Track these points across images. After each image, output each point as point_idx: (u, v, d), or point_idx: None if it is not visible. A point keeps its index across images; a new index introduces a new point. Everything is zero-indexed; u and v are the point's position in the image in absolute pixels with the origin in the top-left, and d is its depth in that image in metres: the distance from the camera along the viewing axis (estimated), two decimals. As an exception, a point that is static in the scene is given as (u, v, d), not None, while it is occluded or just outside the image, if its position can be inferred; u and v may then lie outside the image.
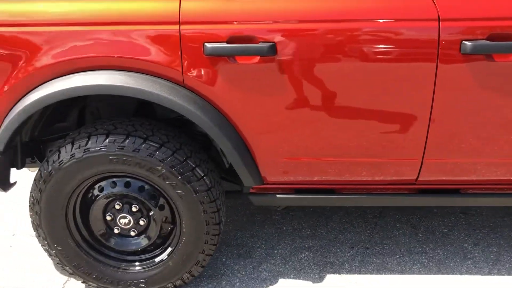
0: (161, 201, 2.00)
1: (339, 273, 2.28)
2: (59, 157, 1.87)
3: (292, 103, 1.80)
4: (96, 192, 2.00)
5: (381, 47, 1.72)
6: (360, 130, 1.86)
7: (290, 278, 2.26)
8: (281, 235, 2.57)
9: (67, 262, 2.06)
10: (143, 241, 2.08)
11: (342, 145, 1.90)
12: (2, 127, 1.85)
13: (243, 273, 2.30)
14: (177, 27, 1.72)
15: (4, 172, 1.96)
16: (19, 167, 2.08)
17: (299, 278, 2.26)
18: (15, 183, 2.08)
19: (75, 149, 1.85)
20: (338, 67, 1.75)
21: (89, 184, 1.97)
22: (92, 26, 1.74)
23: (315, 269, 2.31)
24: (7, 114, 1.87)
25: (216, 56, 1.74)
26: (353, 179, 1.99)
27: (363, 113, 1.82)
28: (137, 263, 2.11)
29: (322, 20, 1.72)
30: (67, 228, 2.01)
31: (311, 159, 1.94)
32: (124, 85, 1.75)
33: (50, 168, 1.88)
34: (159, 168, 1.85)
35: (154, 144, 1.85)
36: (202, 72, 1.77)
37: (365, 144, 1.88)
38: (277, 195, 2.06)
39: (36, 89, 1.80)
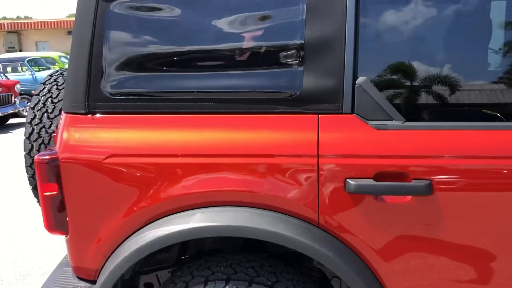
0: None
1: None
2: (169, 305, 1.62)
3: (449, 248, 1.50)
4: None
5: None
6: None
7: None
8: None
9: None
10: None
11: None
12: (111, 266, 1.63)
13: None
14: (315, 160, 1.51)
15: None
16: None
17: None
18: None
19: (189, 296, 1.60)
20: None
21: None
22: (217, 158, 1.56)
23: None
24: (114, 251, 1.66)
25: (360, 194, 1.49)
26: None
27: None
28: None
29: (485, 156, 1.47)
30: None
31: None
32: (254, 226, 1.51)
33: (158, 316, 1.63)
34: (285, 321, 1.56)
35: (281, 294, 1.57)
36: (342, 212, 1.52)
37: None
38: None
39: (151, 225, 1.60)
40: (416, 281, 1.55)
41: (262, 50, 1.60)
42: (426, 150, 1.48)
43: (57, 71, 2.36)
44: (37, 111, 2.16)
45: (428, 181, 1.45)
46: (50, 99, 2.17)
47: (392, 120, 1.51)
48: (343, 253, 1.54)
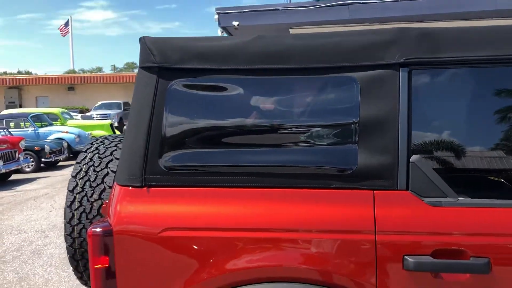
0: None
1: None
2: None
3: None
4: None
5: None
6: None
7: None
8: None
9: None
10: None
11: None
12: None
13: None
14: (372, 236, 1.53)
15: None
16: None
17: None
18: None
19: None
20: None
21: None
22: (275, 233, 1.58)
23: None
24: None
25: (418, 272, 1.51)
26: None
27: None
28: None
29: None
30: None
31: None
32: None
33: None
34: None
35: None
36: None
37: None
38: None
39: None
40: None
41: (319, 128, 1.66)
42: (482, 228, 1.52)
43: (96, 139, 2.41)
44: (79, 179, 2.19)
45: (486, 259, 1.47)
46: (92, 167, 2.20)
47: (446, 197, 1.55)
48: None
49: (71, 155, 13.70)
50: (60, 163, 12.97)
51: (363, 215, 1.56)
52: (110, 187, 2.16)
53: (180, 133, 1.69)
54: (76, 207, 2.14)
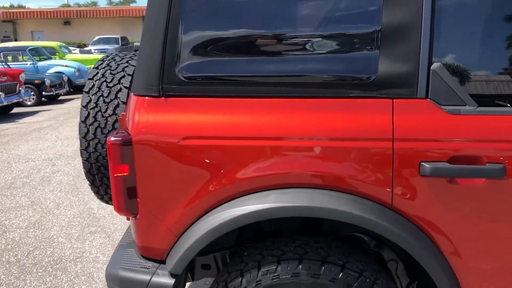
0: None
1: None
2: (241, 283, 1.66)
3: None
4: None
5: None
6: None
7: None
8: None
9: None
10: None
11: None
12: (184, 247, 1.67)
13: None
14: (390, 144, 1.55)
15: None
16: (182, 287, 1.88)
17: None
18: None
19: (263, 275, 1.64)
20: None
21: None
22: (292, 141, 1.60)
23: None
24: (185, 230, 1.70)
25: (434, 177, 1.54)
26: None
27: None
28: None
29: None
30: None
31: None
32: (333, 207, 1.56)
33: (229, 295, 1.67)
34: (357, 301, 1.61)
35: (352, 273, 1.62)
36: (416, 194, 1.57)
37: None
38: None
39: (224, 205, 1.64)
40: (489, 263, 1.61)
41: (340, 35, 1.63)
42: (499, 135, 1.53)
43: (107, 56, 2.38)
44: (92, 95, 2.18)
45: (501, 165, 1.50)
46: (105, 83, 2.19)
47: (465, 106, 1.56)
48: (417, 234, 1.59)
49: (71, 90, 13.62)
50: (61, 97, 12.93)
51: (381, 123, 1.57)
52: (124, 103, 2.16)
53: (197, 41, 1.67)
54: (91, 122, 2.15)
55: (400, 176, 1.56)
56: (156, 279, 1.72)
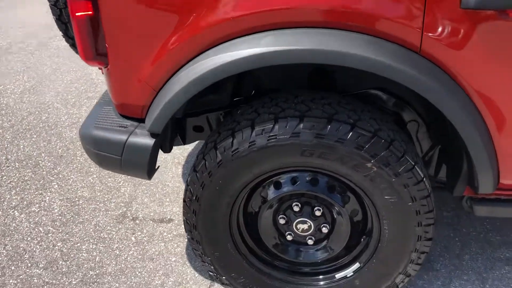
0: (354, 204, 1.53)
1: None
2: (232, 144, 1.41)
3: None
4: (271, 190, 1.54)
5: None
6: None
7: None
8: (463, 240, 2.05)
9: (224, 272, 1.65)
10: (322, 254, 1.63)
11: None
12: (162, 102, 1.39)
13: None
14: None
15: (155, 158, 1.53)
16: (168, 150, 1.65)
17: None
18: (158, 168, 1.65)
19: (257, 135, 1.38)
20: None
21: (260, 180, 1.51)
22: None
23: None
24: (165, 83, 1.41)
25: (481, 10, 1.17)
26: None
27: None
28: (309, 277, 1.67)
29: None
30: (229, 232, 1.58)
31: None
32: (346, 51, 1.22)
33: (219, 157, 1.43)
34: (369, 165, 1.35)
35: (365, 133, 1.34)
36: (453, 34, 1.21)
37: None
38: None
39: (210, 51, 1.32)
40: None
41: None
42: None
43: None
44: None
45: None
46: None
47: None
48: (450, 86, 1.27)
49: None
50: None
51: None
52: None
53: None
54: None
55: (435, 9, 1.19)
56: (133, 138, 1.48)
